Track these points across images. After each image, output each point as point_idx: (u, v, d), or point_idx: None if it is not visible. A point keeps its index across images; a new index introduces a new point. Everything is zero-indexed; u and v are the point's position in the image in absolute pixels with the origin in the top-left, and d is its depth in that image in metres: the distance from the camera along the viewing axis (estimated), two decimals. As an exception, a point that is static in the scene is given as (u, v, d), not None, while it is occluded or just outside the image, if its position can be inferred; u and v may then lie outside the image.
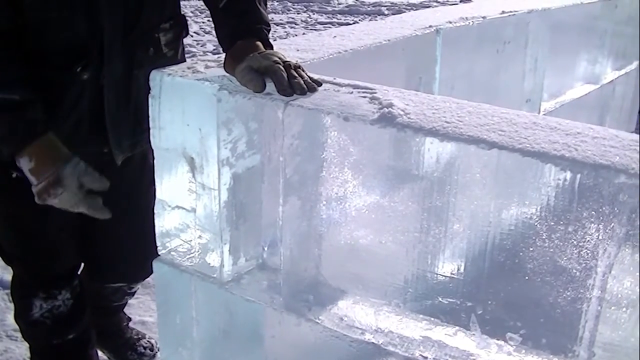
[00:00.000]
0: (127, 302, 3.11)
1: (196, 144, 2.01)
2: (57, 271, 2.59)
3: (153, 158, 2.15)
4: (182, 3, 2.42)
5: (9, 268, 2.64)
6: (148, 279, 2.80)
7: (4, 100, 2.01)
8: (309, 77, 1.91)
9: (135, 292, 2.98)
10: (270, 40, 2.11)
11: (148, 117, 2.10)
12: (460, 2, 11.33)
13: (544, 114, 3.61)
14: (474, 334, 1.75)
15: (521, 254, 1.61)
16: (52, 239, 2.47)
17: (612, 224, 1.46)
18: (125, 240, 2.58)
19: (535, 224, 1.57)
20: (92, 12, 2.10)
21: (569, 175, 1.47)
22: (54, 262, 2.55)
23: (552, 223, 1.54)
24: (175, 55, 2.37)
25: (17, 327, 2.72)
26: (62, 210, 2.29)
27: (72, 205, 2.11)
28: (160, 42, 2.30)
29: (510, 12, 3.29)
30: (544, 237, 1.57)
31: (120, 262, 2.69)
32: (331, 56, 2.35)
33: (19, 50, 2.05)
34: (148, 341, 3.20)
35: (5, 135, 2.07)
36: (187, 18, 2.46)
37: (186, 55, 2.51)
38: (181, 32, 2.43)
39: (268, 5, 2.23)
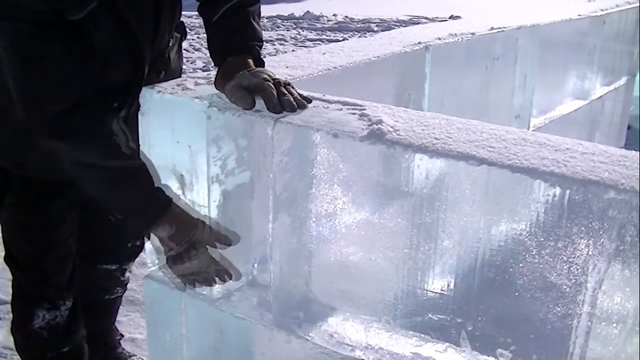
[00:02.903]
0: (119, 305, 3.09)
1: (186, 161, 2.01)
2: (64, 278, 2.59)
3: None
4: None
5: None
6: (138, 295, 2.80)
7: (133, 168, 1.98)
8: (298, 94, 1.92)
9: (126, 283, 2.97)
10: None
11: None
12: (450, 18, 11.38)
13: (533, 130, 3.61)
14: (464, 351, 1.74)
15: (511, 270, 1.61)
16: (62, 246, 2.49)
17: (602, 240, 1.46)
18: (120, 226, 2.59)
19: (525, 240, 1.57)
20: (135, 59, 2.09)
21: (558, 191, 1.47)
22: (62, 269, 2.56)
23: (542, 239, 1.54)
24: (179, 64, 2.40)
25: (7, 344, 2.71)
26: (72, 219, 2.30)
27: (207, 266, 2.04)
28: (170, 60, 2.31)
29: (499, 28, 3.31)
30: (533, 253, 1.57)
31: (113, 243, 2.71)
32: (320, 73, 2.36)
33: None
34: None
35: (140, 208, 2.01)
36: (184, 24, 2.47)
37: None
38: (181, 38, 2.44)
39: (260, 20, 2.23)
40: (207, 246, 2.01)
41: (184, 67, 2.51)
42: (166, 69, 2.30)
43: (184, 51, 2.53)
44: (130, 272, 2.95)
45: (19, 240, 2.48)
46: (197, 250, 1.99)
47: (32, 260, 2.51)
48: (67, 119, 1.91)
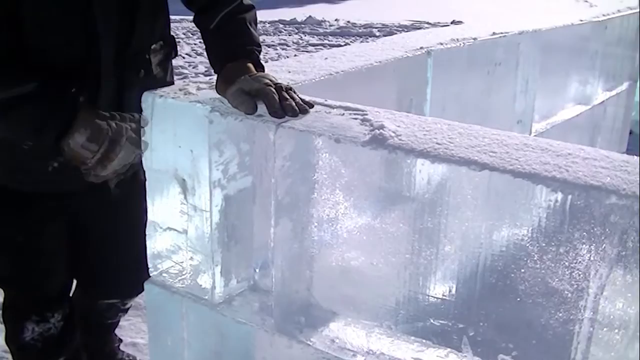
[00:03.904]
0: (119, 321, 3.10)
1: (188, 166, 2.01)
2: (51, 292, 2.58)
3: (143, 176, 2.14)
4: (174, 25, 2.43)
5: (0, 292, 2.63)
6: (140, 300, 2.79)
7: (28, 93, 2.00)
8: (300, 98, 1.92)
9: (128, 308, 2.97)
10: (262, 62, 2.12)
11: (139, 137, 2.11)
12: (452, 23, 11.38)
13: (535, 135, 3.62)
14: (465, 356, 1.74)
15: (513, 275, 1.61)
16: (46, 259, 2.47)
17: (604, 245, 1.46)
18: (118, 256, 2.58)
19: (527, 245, 1.57)
20: (89, 35, 2.10)
21: (560, 196, 1.47)
22: (47, 283, 2.55)
23: (544, 244, 1.54)
24: (165, 76, 2.38)
25: (7, 348, 2.71)
26: (57, 230, 2.29)
27: (130, 157, 2.09)
28: (151, 64, 2.31)
29: (501, 33, 3.31)
30: (535, 259, 1.56)
31: (114, 278, 2.68)
32: (322, 78, 2.36)
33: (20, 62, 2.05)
34: None
35: (45, 123, 2.02)
36: (179, 39, 2.47)
37: (178, 77, 2.52)
38: (170, 52, 2.43)
39: (259, 27, 2.24)
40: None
41: (186, 71, 2.51)
42: (147, 70, 2.29)
43: (185, 55, 2.53)
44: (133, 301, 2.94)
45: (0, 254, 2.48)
46: (119, 142, 2.03)
47: (13, 273, 2.50)
48: None
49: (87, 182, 2.14)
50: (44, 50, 2.08)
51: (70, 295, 2.72)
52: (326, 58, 2.64)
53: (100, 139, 2.01)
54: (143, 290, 2.35)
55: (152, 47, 2.30)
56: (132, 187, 2.41)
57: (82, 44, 2.12)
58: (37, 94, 2.00)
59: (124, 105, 2.21)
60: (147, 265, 2.23)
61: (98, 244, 2.53)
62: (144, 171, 2.14)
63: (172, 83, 2.37)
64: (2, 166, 2.27)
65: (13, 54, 2.03)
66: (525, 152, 1.59)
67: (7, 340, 2.67)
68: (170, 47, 2.43)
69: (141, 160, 2.12)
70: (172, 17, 2.40)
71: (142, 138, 2.08)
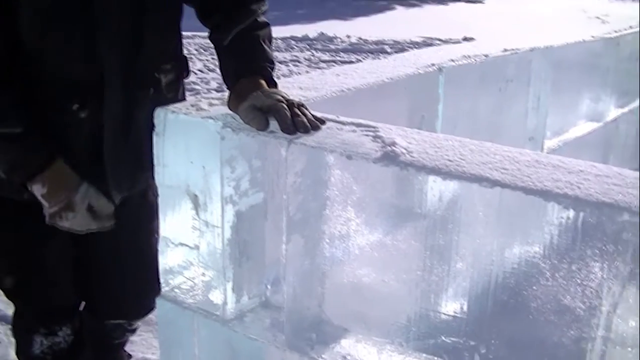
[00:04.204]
0: (128, 339, 3.10)
1: (200, 182, 2.01)
2: (56, 305, 2.58)
3: (153, 195, 2.15)
4: (186, 41, 2.44)
5: (12, 303, 2.64)
6: (151, 316, 2.79)
7: (9, 133, 2.04)
8: (312, 115, 1.92)
9: (136, 329, 2.97)
10: (274, 78, 2.12)
11: (148, 158, 2.11)
12: (463, 40, 11.39)
13: (547, 152, 3.61)
14: (477, 373, 1.74)
15: (525, 292, 1.61)
16: (50, 271, 2.47)
17: (616, 263, 1.46)
18: (125, 277, 2.58)
19: (539, 262, 1.56)
20: (90, 50, 2.10)
21: (572, 213, 1.47)
22: (52, 296, 2.54)
23: (556, 261, 1.54)
24: (176, 96, 2.37)
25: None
26: (60, 243, 2.30)
27: (82, 227, 2.15)
28: (161, 83, 2.30)
29: (513, 50, 3.31)
30: (547, 276, 1.56)
31: (120, 299, 2.68)
32: (334, 94, 2.36)
33: (11, 85, 2.06)
34: None
35: (17, 165, 2.09)
36: (191, 55, 2.48)
37: (190, 93, 2.53)
38: (182, 72, 2.43)
39: (272, 43, 2.24)
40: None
41: (198, 87, 2.51)
42: (156, 89, 2.29)
43: (198, 72, 2.54)
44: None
45: (3, 264, 2.48)
46: (73, 212, 2.11)
47: (18, 285, 2.50)
48: None
49: None
50: (44, 62, 2.09)
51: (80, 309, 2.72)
52: (338, 74, 2.65)
53: (54, 200, 2.10)
54: (150, 311, 2.35)
55: (163, 66, 2.30)
56: (140, 207, 2.42)
57: (84, 58, 2.12)
58: (18, 136, 2.05)
59: (131, 124, 2.21)
60: (156, 285, 2.23)
61: (102, 263, 2.53)
62: (154, 190, 2.15)
63: (184, 100, 2.38)
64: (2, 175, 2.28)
65: (4, 71, 2.05)
66: (536, 169, 1.59)
67: (18, 353, 2.67)
68: (182, 68, 2.43)
69: (151, 179, 2.13)
70: (185, 33, 2.41)
71: (109, 221, 2.20)
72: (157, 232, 2.19)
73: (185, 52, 2.46)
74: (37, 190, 2.09)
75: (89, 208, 2.14)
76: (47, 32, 2.06)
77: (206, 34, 2.29)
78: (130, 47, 2.16)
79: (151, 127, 2.10)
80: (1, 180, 2.20)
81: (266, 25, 2.23)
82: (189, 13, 2.34)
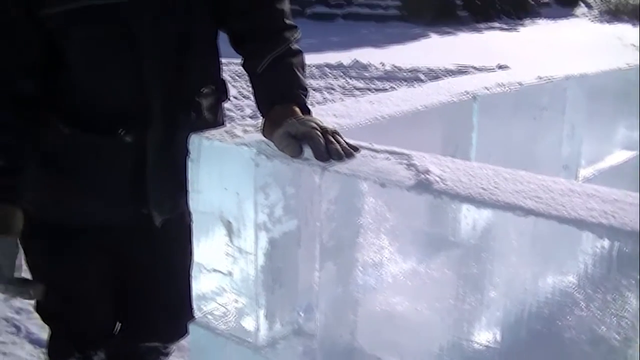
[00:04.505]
0: None
1: (234, 208, 2.02)
2: (94, 331, 2.60)
3: (190, 218, 2.16)
4: (221, 67, 2.46)
5: (46, 327, 2.65)
6: (183, 342, 2.80)
7: None
8: (346, 142, 1.93)
9: (170, 352, 2.98)
10: (308, 105, 2.13)
11: (187, 180, 2.13)
12: (498, 68, 11.38)
13: (582, 181, 3.59)
14: (511, 404, 1.72)
15: (559, 323, 1.59)
16: (91, 298, 2.49)
17: (651, 293, 1.45)
18: (161, 299, 2.59)
19: (573, 292, 1.55)
20: (136, 78, 2.14)
21: (606, 242, 1.46)
22: (92, 322, 2.56)
23: (590, 291, 1.53)
24: (215, 119, 2.40)
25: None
26: (99, 268, 2.32)
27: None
28: (202, 107, 2.33)
29: (547, 78, 3.30)
30: (582, 306, 1.55)
31: (155, 321, 2.69)
32: (368, 122, 2.37)
33: (19, 117, 2.09)
34: None
35: None
36: (227, 84, 2.49)
37: (225, 120, 2.54)
38: (222, 96, 2.46)
39: (306, 70, 2.26)
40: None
41: (232, 114, 2.53)
42: (197, 113, 2.31)
43: (233, 99, 2.56)
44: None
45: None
46: None
47: (56, 310, 2.52)
48: None
49: (132, 215, 2.18)
50: (91, 90, 2.12)
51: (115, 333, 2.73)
52: (372, 102, 2.65)
53: None
54: (185, 334, 2.35)
55: (203, 90, 2.33)
56: (178, 229, 2.44)
57: (130, 86, 2.16)
58: None
59: (173, 148, 2.24)
60: (190, 308, 2.24)
61: (140, 284, 2.55)
62: (190, 213, 2.16)
63: (223, 124, 2.40)
64: (43, 199, 2.31)
65: (28, 108, 2.09)
66: (571, 197, 1.59)
67: None
68: (221, 91, 2.45)
69: (187, 202, 2.14)
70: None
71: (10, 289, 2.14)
72: (191, 257, 2.21)
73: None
74: None
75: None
76: (96, 63, 2.10)
77: (240, 61, 2.31)
78: (173, 73, 2.20)
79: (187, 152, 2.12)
80: (46, 205, 2.23)
81: (299, 52, 2.25)
82: (222, 40, 2.37)
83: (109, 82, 2.14)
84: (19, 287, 2.13)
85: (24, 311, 4.57)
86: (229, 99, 2.53)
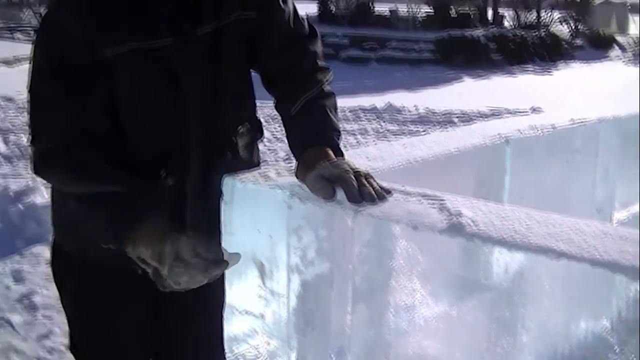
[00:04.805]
0: None
1: (266, 250, 2.03)
2: None
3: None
4: (256, 106, 2.48)
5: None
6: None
7: (109, 194, 2.04)
8: (379, 185, 1.94)
9: None
10: (341, 148, 2.15)
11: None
12: (531, 111, 11.36)
13: (615, 224, 3.56)
14: None
15: (592, 367, 1.58)
16: (125, 338, 2.49)
17: (686, 338, 1.44)
18: (193, 340, 2.59)
19: (607, 336, 1.54)
20: (178, 123, 2.17)
21: (640, 286, 1.45)
22: (121, 359, 2.57)
23: (624, 335, 1.52)
24: (251, 159, 2.41)
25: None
26: (133, 306, 2.32)
27: (200, 276, 1.98)
28: (238, 146, 2.35)
29: (580, 121, 3.29)
30: (616, 350, 1.54)
31: (188, 348, 2.69)
32: (401, 165, 2.38)
33: (113, 154, 2.11)
34: None
35: (116, 229, 2.04)
36: (261, 123, 2.51)
37: (260, 160, 2.55)
38: (257, 135, 2.48)
39: (339, 113, 2.27)
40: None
41: (266, 157, 2.55)
42: (233, 152, 2.33)
43: (266, 141, 2.58)
44: None
45: (79, 330, 2.50)
46: (184, 263, 1.95)
47: (90, 348, 2.52)
48: (51, 159, 2.08)
49: None
50: (137, 133, 2.15)
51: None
52: (405, 145, 2.66)
53: (162, 258, 1.96)
54: None
55: (239, 129, 2.35)
56: None
57: (173, 128, 2.18)
58: (117, 197, 2.04)
59: (210, 189, 2.25)
60: (222, 350, 2.24)
61: (172, 325, 2.55)
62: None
63: (259, 165, 2.41)
64: (81, 238, 2.32)
65: (106, 143, 2.10)
66: (604, 240, 1.58)
67: None
68: (256, 130, 2.47)
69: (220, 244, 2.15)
70: (253, 101, 2.46)
71: (214, 269, 1.99)
72: (224, 299, 2.21)
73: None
74: (144, 253, 1.99)
75: (196, 255, 1.97)
76: (142, 104, 2.13)
77: (273, 103, 2.33)
78: (212, 116, 2.22)
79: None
80: (84, 244, 2.25)
81: (332, 94, 2.27)
82: (256, 83, 2.39)
83: (153, 122, 2.17)
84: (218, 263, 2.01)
85: (56, 351, 4.60)
86: (263, 137, 2.55)
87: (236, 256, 2.01)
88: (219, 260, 2.01)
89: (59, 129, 2.06)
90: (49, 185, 2.38)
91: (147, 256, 1.99)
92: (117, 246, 2.03)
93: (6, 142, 11.47)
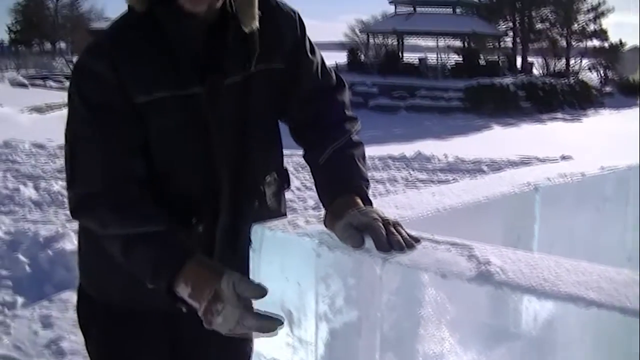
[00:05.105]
0: None
1: (294, 298, 2.03)
2: None
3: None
4: (284, 158, 2.50)
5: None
6: None
7: (150, 233, 2.05)
8: (407, 234, 1.94)
9: None
10: (370, 197, 2.15)
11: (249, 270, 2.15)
12: (561, 158, 11.33)
13: (647, 273, 3.53)
14: None
15: (623, 416, 1.56)
16: None
17: None
18: None
19: (638, 385, 1.53)
20: (208, 172, 2.19)
21: (671, 335, 1.44)
22: None
23: (656, 385, 1.50)
24: (279, 208, 2.43)
25: None
26: (158, 350, 2.32)
27: (236, 319, 1.92)
28: (265, 195, 2.37)
29: (610, 168, 3.28)
30: (647, 400, 1.52)
31: None
32: (430, 213, 2.38)
33: (150, 195, 2.13)
34: None
35: (158, 268, 2.03)
36: (289, 172, 2.53)
37: (287, 210, 2.57)
38: (283, 184, 2.49)
39: (368, 162, 2.29)
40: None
41: (295, 205, 2.55)
42: (260, 201, 2.34)
43: (295, 190, 2.59)
44: None
45: None
46: (223, 303, 1.91)
47: None
48: (90, 202, 2.11)
49: None
50: (168, 180, 2.18)
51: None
52: (434, 194, 2.67)
53: (201, 298, 1.95)
54: None
55: (266, 179, 2.37)
56: None
57: (202, 175, 2.21)
58: (156, 236, 2.05)
59: (238, 237, 2.27)
60: None
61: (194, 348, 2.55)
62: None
63: (285, 214, 2.42)
64: (107, 284, 2.34)
65: (143, 186, 2.12)
66: (634, 288, 1.57)
67: None
68: (283, 180, 2.49)
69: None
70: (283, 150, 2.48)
71: (251, 313, 1.93)
72: (252, 346, 2.21)
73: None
74: (183, 291, 1.98)
75: (238, 297, 1.93)
76: (170, 156, 2.16)
77: (302, 152, 2.35)
78: (240, 165, 2.24)
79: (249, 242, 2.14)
80: (110, 290, 2.27)
81: (360, 144, 2.28)
82: (284, 132, 2.41)
83: (182, 169, 2.19)
84: (262, 321, 2.03)
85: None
86: (289, 187, 2.56)
87: (276, 321, 1.94)
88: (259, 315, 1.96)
89: (96, 173, 2.10)
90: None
91: (185, 294, 1.98)
92: (159, 285, 2.03)
93: (37, 188, 11.61)
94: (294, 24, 2.34)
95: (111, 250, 2.12)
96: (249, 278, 2.05)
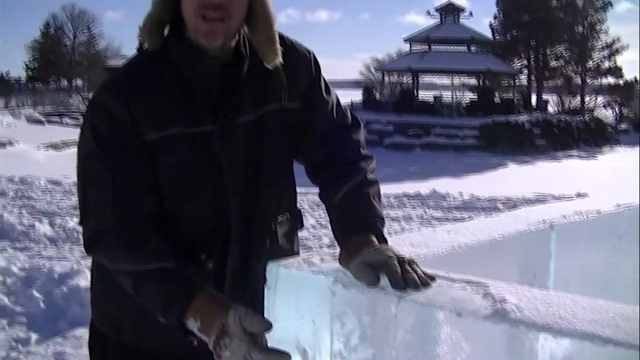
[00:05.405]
0: None
1: (309, 336, 2.03)
2: None
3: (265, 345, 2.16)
4: (300, 197, 2.50)
5: None
6: None
7: (159, 269, 2.06)
8: (422, 272, 1.94)
9: None
10: (385, 235, 2.15)
11: (263, 307, 2.14)
12: (576, 196, 11.30)
13: (665, 311, 3.51)
14: None
15: None
16: None
17: None
18: None
19: None
20: (219, 210, 2.20)
21: (689, 373, 1.43)
22: None
23: None
24: (291, 248, 2.43)
25: None
26: None
27: (243, 354, 1.91)
28: (277, 234, 2.37)
29: (626, 205, 3.28)
30: None
31: None
32: (445, 251, 2.37)
33: (160, 231, 2.14)
34: None
35: (167, 304, 2.04)
36: (304, 211, 2.53)
37: (303, 248, 2.57)
38: (296, 224, 2.49)
39: (384, 200, 2.29)
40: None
41: (310, 243, 2.56)
42: (272, 240, 2.35)
43: (311, 227, 2.59)
44: None
45: None
46: (230, 337, 1.91)
47: None
48: (102, 238, 2.14)
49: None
50: (178, 216, 2.19)
51: None
52: (449, 232, 2.66)
53: (210, 332, 1.95)
54: None
55: (278, 218, 2.38)
56: None
57: (213, 212, 2.21)
58: (166, 271, 2.06)
59: (249, 275, 2.27)
60: None
61: None
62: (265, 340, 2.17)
63: (298, 253, 2.42)
64: (121, 322, 2.34)
65: (153, 222, 2.13)
66: (651, 327, 1.57)
67: None
68: (296, 220, 2.49)
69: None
70: (298, 189, 2.48)
71: (258, 348, 1.92)
72: None
73: (298, 207, 2.53)
74: (193, 325, 1.99)
75: (244, 330, 1.92)
76: (181, 192, 2.18)
77: (318, 191, 2.35)
78: (251, 204, 2.25)
79: (264, 280, 2.14)
80: (124, 328, 2.27)
81: (375, 182, 2.29)
82: (299, 171, 2.42)
83: (193, 206, 2.20)
84: (270, 355, 2.02)
85: None
86: (302, 227, 2.57)
87: (284, 356, 1.94)
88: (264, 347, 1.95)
89: (108, 209, 2.11)
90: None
91: (195, 328, 1.99)
92: (170, 319, 2.04)
93: (52, 224, 11.65)
94: (309, 64, 2.36)
95: (123, 285, 2.13)
96: (256, 312, 2.05)
